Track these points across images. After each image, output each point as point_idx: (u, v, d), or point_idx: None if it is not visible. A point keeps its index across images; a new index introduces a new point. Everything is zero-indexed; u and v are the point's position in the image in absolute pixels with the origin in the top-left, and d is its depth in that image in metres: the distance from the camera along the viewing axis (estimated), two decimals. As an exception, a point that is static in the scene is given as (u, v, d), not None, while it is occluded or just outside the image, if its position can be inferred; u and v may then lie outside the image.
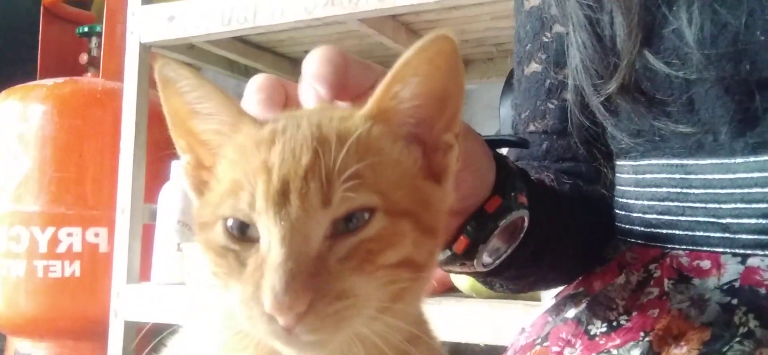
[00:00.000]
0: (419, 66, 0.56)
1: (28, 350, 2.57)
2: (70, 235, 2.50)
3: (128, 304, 2.24)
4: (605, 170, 0.95)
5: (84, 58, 2.83)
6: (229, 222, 0.54)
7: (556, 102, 0.97)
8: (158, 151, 2.37)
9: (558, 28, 0.96)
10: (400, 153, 0.58)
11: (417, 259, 0.56)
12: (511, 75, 2.13)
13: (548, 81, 0.98)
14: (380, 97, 0.57)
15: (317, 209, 0.51)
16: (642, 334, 0.78)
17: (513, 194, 0.76)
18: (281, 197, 0.51)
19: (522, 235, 0.79)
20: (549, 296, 1.01)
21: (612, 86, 0.83)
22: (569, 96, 0.92)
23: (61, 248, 2.50)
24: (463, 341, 1.62)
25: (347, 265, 0.52)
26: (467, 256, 0.75)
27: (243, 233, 0.54)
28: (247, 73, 2.79)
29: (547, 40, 0.98)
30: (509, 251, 0.79)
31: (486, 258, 0.78)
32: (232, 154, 0.57)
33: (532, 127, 1.00)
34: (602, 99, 0.86)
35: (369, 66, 0.63)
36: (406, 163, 0.58)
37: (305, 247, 0.50)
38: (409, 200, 0.56)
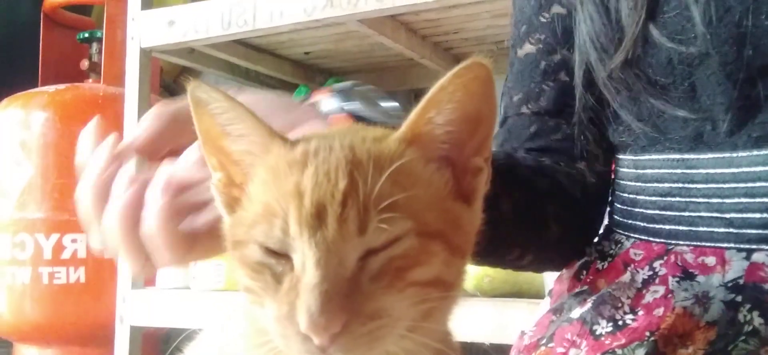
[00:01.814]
0: (454, 92, 0.56)
1: (34, 356, 2.58)
2: (74, 241, 2.51)
3: (134, 309, 2.25)
4: (596, 150, 0.95)
5: (85, 64, 2.84)
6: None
7: (551, 84, 0.97)
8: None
9: (557, 9, 0.96)
10: (432, 175, 0.58)
11: (447, 278, 0.56)
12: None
13: (543, 62, 0.98)
14: (415, 121, 0.57)
15: (353, 236, 0.52)
16: (647, 334, 0.78)
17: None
18: (315, 220, 0.52)
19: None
20: (550, 286, 1.01)
21: (617, 60, 0.84)
22: (576, 72, 0.92)
23: (66, 255, 2.51)
24: (467, 341, 1.62)
25: (379, 284, 0.52)
26: None
27: (278, 250, 0.54)
28: (248, 75, 2.79)
29: (544, 20, 0.98)
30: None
31: None
32: (264, 175, 0.57)
33: (524, 109, 0.99)
34: (607, 74, 0.86)
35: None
36: (437, 184, 0.59)
37: (340, 269, 0.51)
38: (440, 221, 0.57)
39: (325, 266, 0.51)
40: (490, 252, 0.79)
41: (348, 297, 0.51)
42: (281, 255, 0.54)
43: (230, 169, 0.61)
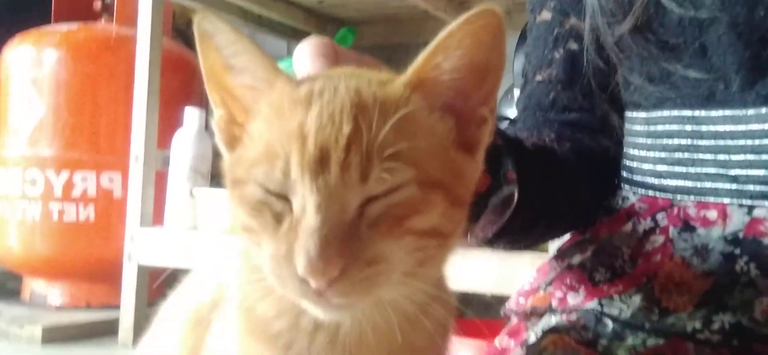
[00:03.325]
0: (463, 39, 0.56)
1: (43, 290, 2.63)
2: (84, 179, 2.54)
3: (141, 248, 2.28)
4: (613, 120, 0.96)
5: (98, 4, 2.84)
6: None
7: (562, 51, 0.97)
8: (171, 97, 2.39)
9: None
10: (435, 124, 0.57)
11: (445, 228, 0.56)
12: (525, 29, 2.12)
13: (556, 30, 0.98)
14: (421, 66, 0.56)
15: (355, 183, 0.51)
16: (645, 279, 0.79)
17: (502, 172, 0.77)
18: (318, 165, 0.51)
19: (511, 211, 0.80)
20: (556, 247, 1.02)
21: (626, 26, 0.84)
22: (585, 36, 0.92)
23: (76, 192, 2.54)
24: (470, 291, 1.64)
25: (377, 230, 0.52)
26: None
27: (278, 192, 0.53)
28: (261, 22, 2.79)
29: None
30: (498, 225, 0.81)
31: (479, 231, 0.79)
32: (267, 113, 0.57)
33: (539, 77, 1.00)
34: (616, 40, 0.86)
35: (359, 57, 0.64)
36: (440, 133, 0.58)
37: (340, 215, 0.51)
38: (442, 170, 0.56)
39: (326, 211, 0.50)
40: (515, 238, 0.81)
41: (346, 242, 0.50)
42: (281, 196, 0.53)
43: (232, 106, 0.60)
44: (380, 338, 0.59)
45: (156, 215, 2.35)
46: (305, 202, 0.51)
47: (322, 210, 0.50)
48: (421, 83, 0.56)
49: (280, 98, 0.56)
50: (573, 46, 0.96)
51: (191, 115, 2.32)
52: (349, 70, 0.60)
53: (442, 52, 0.56)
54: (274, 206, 0.53)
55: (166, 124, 2.37)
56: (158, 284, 2.24)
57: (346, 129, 0.51)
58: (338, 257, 0.50)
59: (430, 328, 0.59)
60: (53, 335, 2.27)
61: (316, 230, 0.50)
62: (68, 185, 2.53)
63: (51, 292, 2.62)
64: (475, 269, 1.65)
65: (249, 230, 0.56)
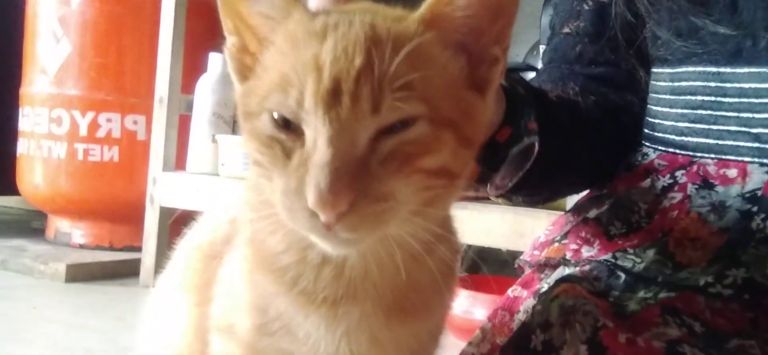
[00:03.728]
0: None
1: (67, 229, 2.68)
2: (109, 120, 2.56)
3: (164, 191, 2.31)
4: (640, 75, 0.95)
5: (126, -55, 2.83)
6: (276, 115, 0.55)
7: (591, 3, 0.96)
8: (196, 42, 2.39)
9: None
10: (448, 61, 0.58)
11: (453, 168, 0.57)
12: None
13: None
14: (435, 2, 0.56)
15: (366, 115, 0.51)
16: (660, 234, 0.79)
17: (522, 121, 0.76)
18: (331, 97, 0.51)
19: (532, 160, 0.80)
20: (573, 202, 1.02)
21: None
22: None
23: (101, 133, 2.57)
24: (487, 246, 1.64)
25: (388, 167, 0.52)
26: (480, 181, 0.77)
27: (290, 124, 0.54)
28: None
29: None
30: (518, 176, 0.81)
31: (498, 182, 0.79)
32: (282, 43, 0.57)
33: (566, 29, 0.99)
34: None
35: None
36: (453, 71, 0.58)
37: (351, 148, 0.51)
38: (453, 109, 0.56)
39: (337, 144, 0.51)
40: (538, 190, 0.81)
41: (357, 177, 0.51)
42: (291, 130, 0.54)
43: (245, 34, 0.60)
44: (384, 274, 0.60)
45: (179, 158, 2.37)
46: (317, 135, 0.51)
47: (334, 143, 0.51)
48: (434, 19, 0.56)
49: (295, 29, 0.56)
50: None
51: (215, 60, 2.32)
52: (365, 5, 0.60)
53: None
54: (284, 142, 0.54)
55: (191, 68, 2.38)
56: (173, 221, 2.27)
57: (358, 61, 0.52)
58: (348, 191, 0.50)
59: (434, 267, 0.60)
60: (76, 274, 2.31)
61: (327, 163, 0.50)
62: (93, 126, 2.56)
63: (75, 231, 2.66)
64: (492, 224, 1.66)
65: (259, 164, 0.56)
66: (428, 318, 0.66)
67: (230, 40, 0.61)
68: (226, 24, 0.61)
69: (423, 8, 0.57)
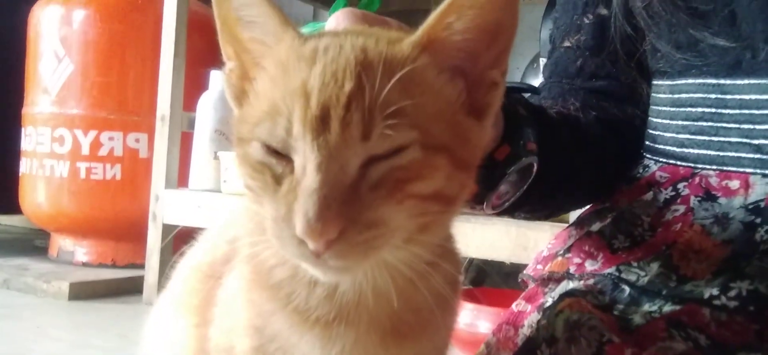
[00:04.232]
0: None
1: (70, 247, 2.68)
2: (111, 139, 2.57)
3: (166, 208, 2.31)
4: (641, 88, 0.95)
5: (126, -36, 2.85)
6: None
7: (591, 17, 0.96)
8: (198, 59, 2.41)
9: None
10: (443, 86, 0.56)
11: (449, 192, 0.55)
12: (553, -3, 2.09)
13: None
14: (432, 25, 0.55)
15: (356, 141, 0.50)
16: (664, 247, 0.79)
17: (521, 142, 0.76)
18: (319, 123, 0.50)
19: (531, 179, 0.79)
20: (576, 215, 1.02)
21: None
22: (614, 1, 0.92)
23: (103, 152, 2.57)
24: (490, 259, 1.64)
25: (378, 193, 0.51)
26: (476, 200, 0.76)
27: (280, 151, 0.53)
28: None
29: None
30: (516, 196, 0.80)
31: (495, 201, 0.79)
32: (273, 70, 0.56)
33: (567, 43, 0.99)
34: (645, 4, 0.85)
35: (386, 21, 0.63)
36: (448, 96, 0.56)
37: (341, 175, 0.50)
38: (448, 134, 0.55)
39: (326, 171, 0.49)
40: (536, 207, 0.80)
41: (346, 204, 0.49)
42: (282, 156, 0.53)
43: (244, 60, 0.60)
44: (378, 299, 0.59)
45: (181, 176, 2.38)
46: (306, 161, 0.50)
47: (322, 170, 0.49)
48: (431, 43, 0.55)
49: (286, 54, 0.55)
50: (603, 11, 0.95)
51: (217, 78, 2.33)
52: (358, 29, 0.59)
53: (455, 11, 0.55)
54: (275, 168, 0.53)
55: (193, 86, 2.39)
56: (171, 240, 2.27)
57: (348, 86, 0.51)
58: (337, 219, 0.49)
59: (431, 291, 0.58)
60: (79, 292, 2.31)
61: (315, 190, 0.49)
62: (95, 144, 2.57)
63: (78, 249, 2.66)
64: (495, 237, 1.66)
65: (251, 190, 0.56)
66: (428, 340, 0.64)
67: (229, 66, 0.60)
68: (226, 50, 0.60)
69: (419, 32, 0.55)
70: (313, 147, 0.50)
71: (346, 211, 0.49)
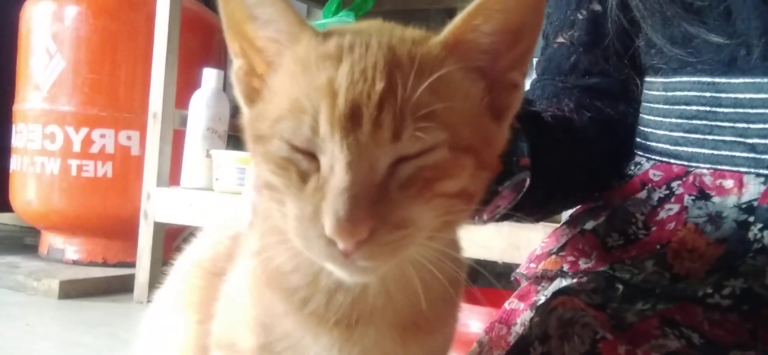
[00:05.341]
0: (507, 0, 0.54)
1: (60, 245, 2.66)
2: (103, 136, 2.56)
3: (158, 206, 2.30)
4: (633, 84, 0.95)
5: (119, -39, 2.83)
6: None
7: (585, 13, 0.96)
8: (190, 57, 2.39)
9: None
10: (469, 87, 0.56)
11: (472, 191, 0.56)
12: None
13: None
14: (460, 27, 0.55)
15: (387, 142, 0.50)
16: (658, 246, 0.79)
17: (514, 158, 0.76)
18: (349, 122, 0.49)
19: (523, 192, 0.79)
20: (569, 214, 1.02)
21: None
22: None
23: (94, 149, 2.56)
24: (482, 259, 1.64)
25: (407, 192, 0.51)
26: None
27: (305, 149, 0.52)
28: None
29: None
30: (508, 208, 0.80)
31: (487, 215, 0.79)
32: (292, 67, 0.55)
33: (560, 39, 0.99)
34: None
35: None
36: (474, 97, 0.57)
37: (370, 174, 0.50)
38: (474, 135, 0.55)
39: (356, 170, 0.49)
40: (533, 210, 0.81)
41: (376, 204, 0.49)
42: (307, 153, 0.52)
43: (252, 57, 0.59)
44: (403, 295, 0.59)
45: (173, 174, 2.37)
46: (334, 160, 0.50)
47: (352, 169, 0.49)
48: (458, 45, 0.55)
49: (306, 52, 0.54)
50: (596, 6, 0.95)
51: (209, 75, 2.32)
52: (378, 25, 0.59)
53: (482, 12, 0.54)
54: (300, 164, 0.52)
55: (185, 84, 2.38)
56: (176, 243, 2.26)
57: (380, 86, 0.50)
58: (368, 218, 0.49)
59: (446, 281, 0.58)
60: (70, 290, 2.30)
61: (345, 189, 0.48)
62: (87, 142, 2.55)
63: (68, 247, 2.65)
64: (487, 236, 1.65)
65: (272, 188, 0.55)
66: (440, 332, 0.65)
67: (237, 63, 0.60)
68: (233, 47, 0.59)
69: (446, 32, 0.55)
70: (342, 146, 0.50)
71: (376, 211, 0.49)
